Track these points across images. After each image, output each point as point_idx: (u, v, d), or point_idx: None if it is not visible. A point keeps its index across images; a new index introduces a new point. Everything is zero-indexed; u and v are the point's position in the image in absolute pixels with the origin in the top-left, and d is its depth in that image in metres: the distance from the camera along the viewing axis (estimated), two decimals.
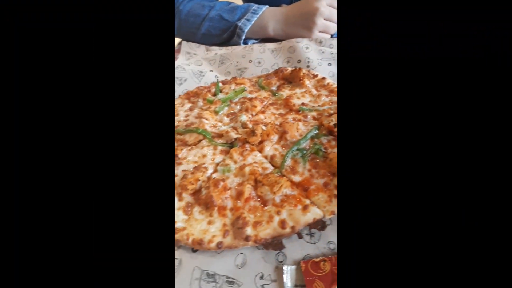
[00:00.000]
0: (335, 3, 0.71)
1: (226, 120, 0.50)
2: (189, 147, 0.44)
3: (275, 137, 0.43)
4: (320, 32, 0.71)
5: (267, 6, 0.74)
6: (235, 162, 0.41)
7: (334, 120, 0.44)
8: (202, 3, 0.77)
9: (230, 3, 0.76)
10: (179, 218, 0.35)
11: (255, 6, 0.73)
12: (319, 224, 0.33)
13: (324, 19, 0.69)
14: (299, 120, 0.47)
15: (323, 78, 0.56)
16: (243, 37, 0.74)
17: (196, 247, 0.32)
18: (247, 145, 0.43)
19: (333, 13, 0.70)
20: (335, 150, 0.40)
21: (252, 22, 0.72)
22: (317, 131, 0.44)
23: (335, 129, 0.43)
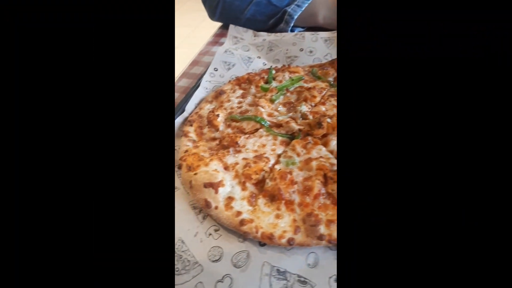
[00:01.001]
0: None
1: (283, 109, 0.47)
2: (247, 135, 0.43)
3: None
4: None
5: None
6: (298, 155, 0.38)
7: None
8: None
9: None
10: (244, 208, 0.33)
11: None
12: None
13: None
14: None
15: None
16: (292, 24, 0.70)
17: (266, 241, 0.31)
18: (309, 138, 0.41)
19: None
20: None
21: (303, 8, 0.69)
22: None
23: None
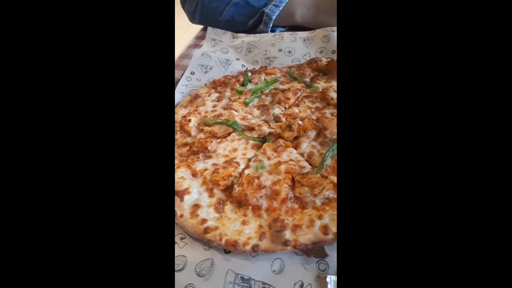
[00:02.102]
0: None
1: (257, 112, 0.47)
2: (219, 140, 0.42)
3: (312, 133, 0.41)
4: None
5: None
6: (269, 158, 0.38)
7: None
8: None
9: None
10: (210, 216, 0.33)
11: None
12: None
13: None
14: None
15: None
16: (271, 25, 0.70)
17: (230, 248, 0.30)
18: (281, 141, 0.40)
19: None
20: None
21: (281, 8, 0.69)
22: None
23: None
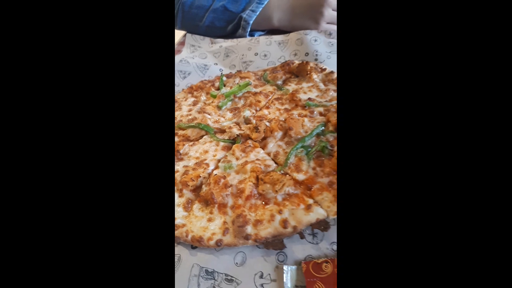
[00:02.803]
0: None
1: (229, 115, 0.50)
2: (191, 143, 0.45)
3: (279, 134, 0.43)
4: (328, 23, 0.69)
5: None
6: (237, 158, 0.41)
7: None
8: None
9: None
10: (179, 214, 0.35)
11: None
12: (322, 225, 0.33)
13: (333, 10, 0.68)
14: (305, 116, 0.46)
15: (332, 72, 0.55)
16: (249, 29, 0.73)
17: (195, 244, 0.33)
18: (249, 142, 0.43)
19: None
20: None
21: (257, 13, 0.71)
22: (323, 127, 0.43)
23: None
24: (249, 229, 0.32)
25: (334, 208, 0.34)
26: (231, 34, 0.76)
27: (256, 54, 0.66)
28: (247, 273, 0.31)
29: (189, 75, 0.63)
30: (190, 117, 0.50)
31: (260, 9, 0.71)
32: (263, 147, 0.42)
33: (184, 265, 0.32)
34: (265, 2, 0.72)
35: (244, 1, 0.73)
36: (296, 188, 0.36)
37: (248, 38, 0.71)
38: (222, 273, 0.31)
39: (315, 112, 0.47)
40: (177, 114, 0.51)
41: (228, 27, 0.75)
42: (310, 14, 0.70)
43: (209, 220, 0.34)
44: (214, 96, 0.53)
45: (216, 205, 0.35)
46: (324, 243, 0.32)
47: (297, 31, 0.67)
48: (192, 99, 0.55)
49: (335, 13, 0.69)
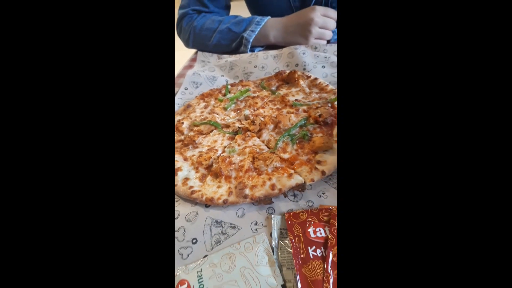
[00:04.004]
0: (329, 13, 0.83)
1: (233, 114, 0.63)
2: (204, 135, 0.58)
3: (271, 126, 0.56)
4: (316, 39, 0.83)
5: (269, 17, 0.88)
6: (239, 145, 0.54)
7: (320, 112, 0.56)
8: (212, 18, 0.92)
9: (237, 16, 0.91)
10: (196, 184, 0.48)
11: (258, 18, 0.87)
12: (300, 188, 0.45)
13: (319, 27, 0.82)
14: (292, 113, 0.59)
15: (316, 79, 0.68)
16: (249, 46, 0.87)
17: (208, 203, 0.45)
18: (248, 133, 0.56)
19: (327, 21, 0.82)
20: (319, 135, 0.52)
21: (256, 32, 0.86)
22: (305, 121, 0.56)
23: (320, 119, 0.55)
24: (247, 191, 0.45)
25: (309, 176, 0.46)
26: (235, 51, 0.90)
27: (255, 66, 0.80)
28: (245, 222, 0.43)
29: (200, 85, 0.77)
30: (202, 117, 0.64)
31: (259, 29, 0.86)
32: (259, 136, 0.55)
33: (200, 218, 0.44)
34: (263, 23, 0.87)
35: (245, 23, 0.88)
36: (282, 163, 0.48)
37: (249, 53, 0.86)
38: (227, 222, 0.43)
39: (300, 110, 0.59)
40: (192, 115, 0.65)
41: (232, 45, 0.90)
42: (300, 32, 0.84)
43: (218, 187, 0.47)
44: (221, 101, 0.67)
45: (223, 177, 0.48)
46: (302, 201, 0.44)
47: (289, 47, 0.81)
48: (204, 103, 0.69)
49: (321, 30, 0.83)
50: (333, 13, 0.84)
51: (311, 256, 0.37)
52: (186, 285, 0.37)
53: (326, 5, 0.89)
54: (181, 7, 0.99)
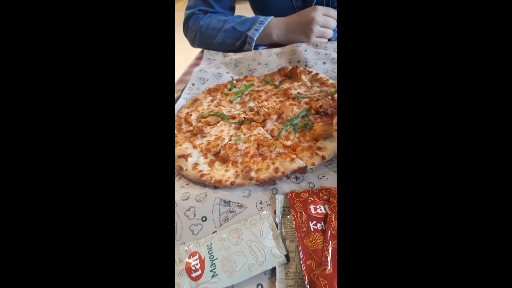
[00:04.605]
0: (330, 12, 0.87)
1: (238, 107, 0.67)
2: (211, 126, 0.62)
3: (274, 117, 0.60)
4: (317, 37, 0.87)
5: (272, 17, 0.92)
6: (244, 134, 0.57)
7: (320, 103, 0.60)
8: (218, 18, 0.97)
9: (241, 16, 0.95)
10: (205, 169, 0.52)
11: (262, 17, 0.91)
12: (302, 171, 0.49)
13: (320, 26, 0.86)
14: (294, 104, 0.63)
15: (317, 74, 0.72)
16: (253, 44, 0.92)
17: (217, 185, 0.49)
18: (253, 123, 0.60)
19: (328, 20, 0.86)
20: (320, 124, 0.56)
21: (260, 31, 0.90)
22: (307, 112, 0.59)
23: (321, 110, 0.58)
24: (253, 174, 0.48)
25: (310, 161, 0.49)
26: (240, 49, 0.95)
27: (259, 63, 0.84)
28: (251, 201, 0.46)
29: (207, 81, 0.81)
30: (209, 109, 0.68)
31: (262, 28, 0.91)
32: (263, 126, 0.59)
33: (210, 199, 0.48)
34: (266, 23, 0.91)
35: (249, 22, 0.93)
36: (285, 149, 0.52)
37: (253, 51, 0.90)
38: (234, 202, 0.47)
39: (302, 102, 0.63)
40: (199, 108, 0.69)
41: (236, 43, 0.94)
42: (302, 31, 0.88)
43: (226, 170, 0.51)
44: (227, 94, 0.71)
45: (230, 162, 0.52)
46: (304, 183, 0.48)
47: (291, 44, 0.85)
48: (210, 97, 0.73)
49: (322, 29, 0.87)
50: (333, 12, 0.88)
51: (312, 230, 0.40)
52: (197, 256, 0.41)
53: (327, 5, 0.93)
54: (187, 8, 1.04)
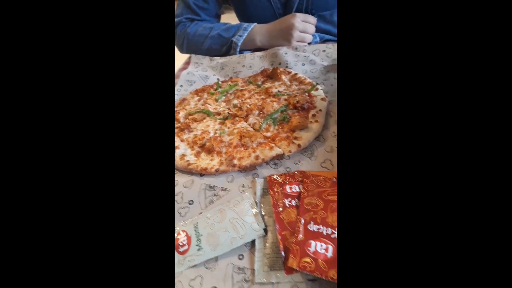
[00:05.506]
0: (308, 19, 0.95)
1: (224, 104, 0.73)
2: (198, 122, 0.67)
3: (256, 112, 0.66)
4: (297, 42, 0.95)
5: (255, 24, 1.00)
6: (228, 128, 0.63)
7: (298, 99, 0.66)
8: (204, 25, 1.04)
9: (226, 23, 1.03)
10: (192, 159, 0.57)
11: (245, 24, 0.99)
12: (280, 157, 0.55)
13: (300, 32, 0.94)
14: (275, 101, 0.69)
15: (296, 74, 0.79)
16: (238, 50, 0.99)
17: (203, 172, 0.54)
18: (236, 118, 0.65)
19: (307, 26, 0.94)
20: (297, 117, 0.62)
21: (244, 37, 0.98)
22: (285, 107, 0.66)
23: (298, 105, 0.65)
24: (235, 161, 0.54)
25: (288, 148, 0.55)
26: (225, 54, 1.02)
27: (243, 66, 0.91)
28: (234, 185, 0.52)
29: (194, 83, 0.87)
30: (196, 107, 0.73)
31: (246, 34, 0.98)
32: (246, 121, 0.65)
33: (196, 185, 0.53)
34: (249, 29, 0.98)
35: (234, 29, 1.00)
36: (265, 140, 0.58)
37: (237, 55, 0.97)
38: (219, 186, 0.52)
39: (281, 99, 0.70)
40: (187, 107, 0.75)
41: (222, 49, 1.01)
42: (283, 36, 0.96)
43: (211, 160, 0.56)
44: (213, 94, 0.77)
45: (215, 152, 0.57)
46: (281, 168, 0.54)
47: (273, 48, 0.93)
48: (197, 97, 0.79)
49: (302, 34, 0.95)
50: (312, 19, 0.96)
51: (287, 206, 0.46)
52: (185, 234, 0.46)
53: (306, 12, 1.02)
54: (175, 16, 1.11)
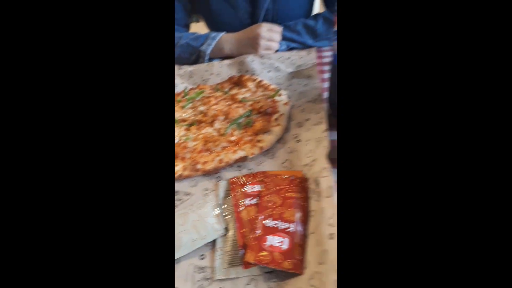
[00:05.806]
0: (274, 28, 1.00)
1: (190, 111, 0.75)
2: None
3: (222, 117, 0.68)
4: (264, 50, 0.99)
5: (224, 33, 1.03)
6: (193, 134, 0.65)
7: (261, 104, 0.69)
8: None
9: (195, 33, 1.05)
10: None
11: (214, 33, 1.02)
12: (243, 160, 0.57)
13: (266, 40, 0.98)
14: (240, 107, 0.72)
15: (261, 81, 0.83)
16: (207, 58, 1.01)
17: None
18: (202, 124, 0.67)
19: (273, 35, 0.99)
20: (260, 121, 0.65)
21: (212, 46, 1.01)
22: (250, 112, 0.69)
23: (261, 110, 0.68)
24: (199, 166, 0.55)
25: (251, 151, 0.58)
26: (195, 63, 1.04)
27: (212, 74, 0.93)
28: (198, 189, 0.53)
29: None
30: None
31: (214, 43, 1.01)
32: (211, 126, 0.67)
33: None
34: (218, 38, 1.02)
35: (202, 38, 1.02)
36: (229, 143, 0.60)
37: (206, 63, 0.99)
38: (182, 191, 0.53)
39: (246, 105, 0.73)
40: None
41: (191, 57, 1.03)
42: (251, 45, 1.00)
43: (176, 165, 0.57)
44: (179, 101, 0.78)
45: (179, 158, 0.58)
46: (245, 169, 0.56)
47: (241, 56, 0.96)
48: None
49: (268, 43, 1.00)
50: (277, 28, 1.01)
51: (248, 204, 0.48)
52: None
53: (272, 21, 1.07)
54: None
